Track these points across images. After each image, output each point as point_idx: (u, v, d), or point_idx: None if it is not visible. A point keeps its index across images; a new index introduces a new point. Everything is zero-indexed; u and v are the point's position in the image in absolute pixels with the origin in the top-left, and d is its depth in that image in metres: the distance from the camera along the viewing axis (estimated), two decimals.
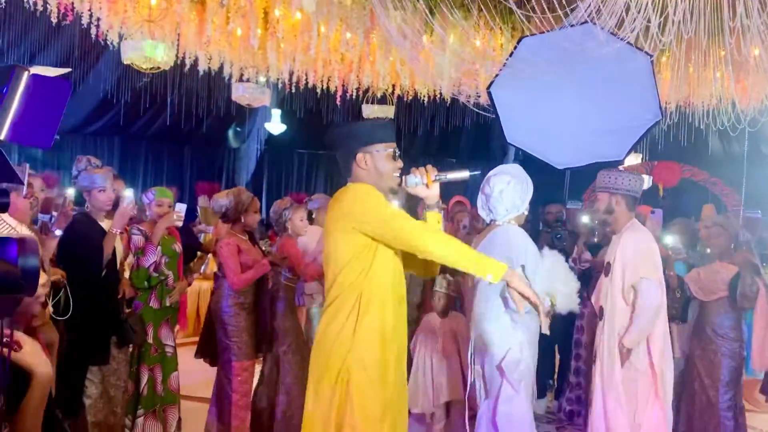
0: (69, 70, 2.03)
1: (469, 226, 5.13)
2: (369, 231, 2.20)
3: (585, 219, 4.87)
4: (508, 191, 3.16)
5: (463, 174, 2.45)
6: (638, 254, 3.16)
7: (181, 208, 4.23)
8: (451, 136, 13.90)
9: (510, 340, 2.99)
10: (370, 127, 2.40)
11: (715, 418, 3.75)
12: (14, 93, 1.39)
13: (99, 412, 3.70)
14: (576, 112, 4.73)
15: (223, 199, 4.17)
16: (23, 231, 2.57)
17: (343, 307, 2.19)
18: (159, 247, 4.12)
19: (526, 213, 3.29)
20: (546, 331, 2.49)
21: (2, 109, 1.38)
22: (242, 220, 4.15)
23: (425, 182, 2.36)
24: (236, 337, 4.05)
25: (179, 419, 4.24)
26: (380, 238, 2.21)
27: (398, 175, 2.33)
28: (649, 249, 3.20)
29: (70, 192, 4.77)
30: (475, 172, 2.49)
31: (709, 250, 4.01)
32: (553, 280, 2.97)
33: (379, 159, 2.28)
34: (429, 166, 2.40)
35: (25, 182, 3.39)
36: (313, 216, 4.75)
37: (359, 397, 2.12)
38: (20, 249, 1.31)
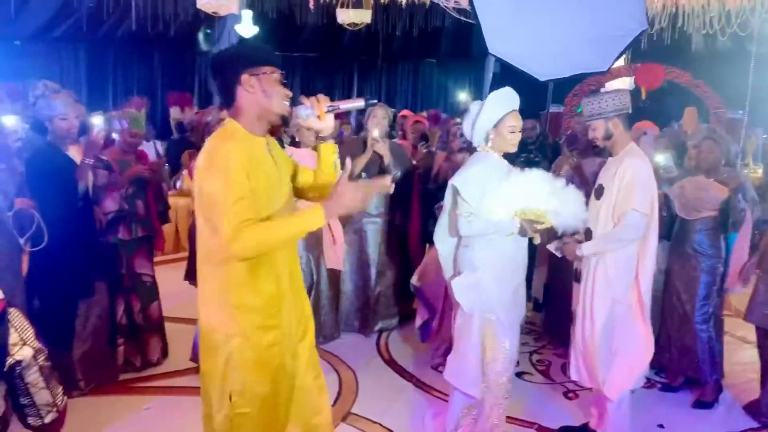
0: None
1: (437, 143, 4.94)
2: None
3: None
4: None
5: (358, 103, 2.29)
6: (635, 184, 3.06)
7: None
8: (432, 38, 13.46)
9: (469, 265, 3.01)
10: (257, 48, 2.21)
11: (691, 331, 3.86)
12: None
13: (83, 343, 3.71)
14: (559, 20, 4.51)
15: (191, 116, 4.04)
16: None
17: None
18: (122, 190, 3.99)
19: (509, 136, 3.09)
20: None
21: None
22: None
23: (317, 113, 2.20)
24: None
25: (164, 345, 4.28)
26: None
27: (287, 104, 2.17)
28: (647, 181, 3.10)
29: None
30: (372, 101, 2.35)
31: (695, 164, 3.93)
32: (540, 198, 2.89)
33: (267, 81, 2.09)
34: (321, 96, 2.21)
35: None
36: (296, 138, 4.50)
37: None
38: None
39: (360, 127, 4.97)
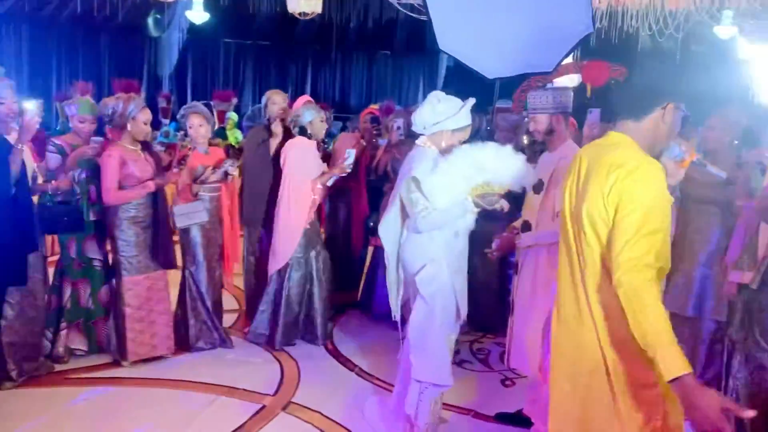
0: None
1: (404, 128, 4.98)
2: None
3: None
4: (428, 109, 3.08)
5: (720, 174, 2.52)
6: None
7: (97, 141, 4.02)
8: (386, 30, 13.48)
9: (426, 257, 3.05)
10: (677, 73, 2.05)
11: None
12: None
13: (15, 333, 3.62)
14: (508, 20, 4.60)
15: (112, 103, 3.94)
16: None
17: None
18: (71, 173, 3.93)
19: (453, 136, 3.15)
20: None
21: None
22: (128, 129, 3.94)
23: (683, 158, 2.22)
24: (125, 251, 3.97)
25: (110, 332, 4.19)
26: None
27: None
28: None
29: None
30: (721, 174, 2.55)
31: None
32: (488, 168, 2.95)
33: (677, 116, 1.95)
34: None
35: None
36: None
37: None
38: None
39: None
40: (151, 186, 3.96)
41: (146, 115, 3.99)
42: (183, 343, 4.30)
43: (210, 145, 4.55)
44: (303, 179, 4.29)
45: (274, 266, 4.40)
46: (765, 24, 8.01)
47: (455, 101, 3.09)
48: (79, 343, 4.10)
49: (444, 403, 3.26)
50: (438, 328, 3.06)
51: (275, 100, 4.68)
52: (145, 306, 4.06)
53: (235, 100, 10.57)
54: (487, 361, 4.39)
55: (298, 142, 4.35)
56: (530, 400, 3.48)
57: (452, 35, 4.72)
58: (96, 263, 4.11)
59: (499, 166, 2.96)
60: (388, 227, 3.20)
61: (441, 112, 3.04)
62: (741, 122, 3.86)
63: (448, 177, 2.94)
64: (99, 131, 4.17)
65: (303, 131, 4.36)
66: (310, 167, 4.36)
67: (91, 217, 4.05)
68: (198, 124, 4.29)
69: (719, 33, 9.63)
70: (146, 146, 4.13)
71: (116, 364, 4.06)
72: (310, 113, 4.38)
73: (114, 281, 4.06)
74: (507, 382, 4.08)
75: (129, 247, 3.97)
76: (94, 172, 4.02)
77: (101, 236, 4.14)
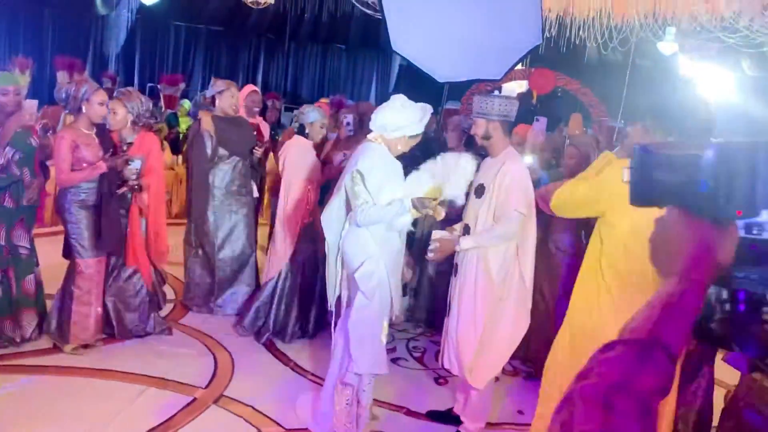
0: None
1: (353, 124, 5.01)
2: None
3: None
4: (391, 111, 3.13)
5: None
6: (516, 187, 3.22)
7: (32, 104, 3.87)
8: (341, 24, 13.44)
9: (366, 253, 3.09)
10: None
11: (554, 326, 4.11)
12: None
13: None
14: (461, 26, 4.68)
15: (65, 87, 3.84)
16: None
17: None
18: (8, 147, 3.77)
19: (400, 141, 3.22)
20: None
21: None
22: (83, 111, 3.85)
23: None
24: (76, 234, 3.90)
25: (40, 321, 4.08)
26: None
27: None
28: (527, 184, 3.28)
29: None
30: None
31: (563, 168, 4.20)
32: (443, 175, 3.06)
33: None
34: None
35: None
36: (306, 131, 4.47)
37: None
38: None
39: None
40: (102, 166, 3.86)
41: (100, 96, 3.87)
42: (113, 331, 4.21)
43: (150, 130, 4.43)
44: (300, 179, 4.36)
45: (275, 263, 4.47)
46: (704, 43, 8.36)
47: (417, 108, 3.15)
48: (13, 332, 3.94)
49: (376, 400, 3.31)
50: (376, 322, 3.12)
51: (234, 93, 4.69)
52: (93, 290, 4.00)
53: (183, 85, 10.37)
54: (422, 360, 4.46)
55: (295, 142, 4.45)
56: (463, 399, 3.56)
57: (405, 37, 4.77)
58: (22, 251, 3.97)
59: (453, 175, 3.05)
60: (331, 217, 3.24)
61: (405, 118, 3.11)
62: (593, 146, 4.10)
63: (396, 177, 3.00)
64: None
65: (302, 129, 4.40)
66: (306, 167, 4.41)
67: (23, 202, 3.92)
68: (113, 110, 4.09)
69: (662, 49, 10.01)
70: (101, 129, 4.03)
71: (43, 351, 3.94)
72: (314, 115, 4.47)
73: (68, 265, 3.98)
74: (440, 381, 4.15)
75: (80, 230, 3.90)
76: (29, 155, 3.89)
77: (29, 222, 4.01)
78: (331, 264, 3.29)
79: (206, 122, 4.67)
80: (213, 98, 4.78)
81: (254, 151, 4.84)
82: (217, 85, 4.78)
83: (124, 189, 3.99)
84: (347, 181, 3.11)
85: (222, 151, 4.70)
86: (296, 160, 4.39)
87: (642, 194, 0.80)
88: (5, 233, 3.87)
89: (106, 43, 13.01)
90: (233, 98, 4.71)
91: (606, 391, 0.75)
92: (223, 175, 4.75)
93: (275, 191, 4.90)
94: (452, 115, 5.97)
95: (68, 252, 4.00)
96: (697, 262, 0.76)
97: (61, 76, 8.19)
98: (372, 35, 13.60)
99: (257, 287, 4.84)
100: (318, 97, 11.08)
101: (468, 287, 3.36)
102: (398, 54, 5.12)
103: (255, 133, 5.10)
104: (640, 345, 0.77)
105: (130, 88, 4.52)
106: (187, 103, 9.59)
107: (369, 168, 3.03)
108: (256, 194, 5.12)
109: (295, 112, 4.56)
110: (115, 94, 4.32)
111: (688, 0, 5.37)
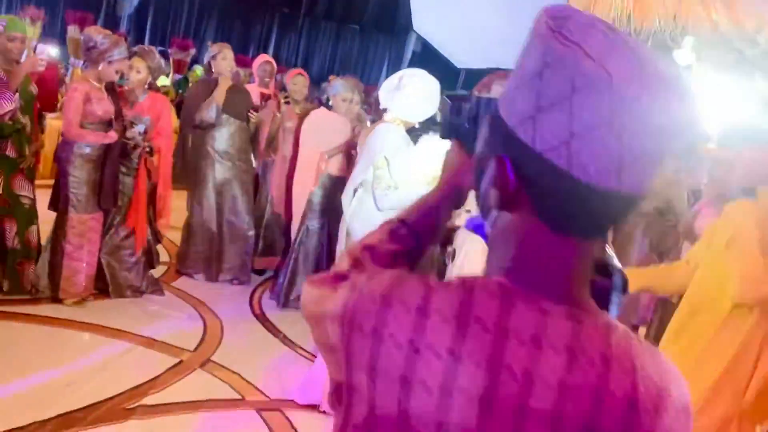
0: None
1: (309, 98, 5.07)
2: None
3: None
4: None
5: None
6: None
7: (43, 49, 3.82)
8: (357, 3, 13.33)
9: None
10: None
11: None
12: None
13: None
14: (486, 13, 4.64)
15: (97, 37, 3.80)
16: None
17: None
18: (17, 94, 3.72)
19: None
20: None
21: None
22: (99, 68, 3.80)
23: None
24: (76, 189, 3.85)
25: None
26: None
27: None
28: None
29: None
30: None
31: None
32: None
33: None
34: None
35: None
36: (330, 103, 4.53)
37: None
38: None
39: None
40: (113, 136, 3.86)
41: (122, 65, 3.89)
42: (106, 288, 4.19)
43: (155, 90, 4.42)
44: (311, 148, 4.36)
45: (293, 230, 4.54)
46: (721, 54, 8.29)
47: (433, 90, 3.13)
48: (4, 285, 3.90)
49: None
50: None
51: (227, 55, 4.62)
52: (85, 246, 3.95)
53: (193, 51, 10.28)
54: None
55: (314, 113, 4.49)
56: None
57: (428, 18, 4.74)
58: (24, 200, 3.91)
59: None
60: (350, 196, 3.22)
61: (421, 100, 3.09)
62: None
63: (419, 163, 2.97)
64: None
65: (327, 101, 4.42)
66: (322, 138, 4.36)
67: (27, 151, 3.86)
68: (137, 69, 4.14)
69: (677, 58, 9.93)
70: (110, 87, 3.99)
71: (35, 300, 3.91)
72: (336, 88, 4.42)
73: (58, 215, 3.93)
74: None
75: (80, 185, 3.86)
76: (28, 102, 3.85)
77: (31, 172, 3.96)
78: (342, 241, 3.28)
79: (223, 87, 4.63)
80: (209, 64, 4.76)
81: (249, 115, 4.77)
82: (211, 49, 4.75)
83: (137, 150, 3.97)
84: (372, 163, 3.07)
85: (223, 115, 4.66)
86: (308, 130, 4.38)
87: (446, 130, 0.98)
88: (4, 182, 3.79)
89: (119, 3, 12.89)
90: (226, 60, 4.65)
91: None
92: (222, 138, 4.71)
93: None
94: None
95: (58, 205, 3.94)
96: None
97: (72, 30, 8.11)
98: (388, 19, 13.52)
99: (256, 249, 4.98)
100: (327, 76, 11.00)
101: (466, 272, 3.34)
102: (417, 35, 5.08)
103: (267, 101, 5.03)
104: None
105: (148, 46, 4.49)
106: (199, 69, 9.55)
107: (393, 153, 3.01)
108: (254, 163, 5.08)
109: (323, 84, 4.56)
110: (135, 50, 4.27)
111: (708, 6, 5.31)
